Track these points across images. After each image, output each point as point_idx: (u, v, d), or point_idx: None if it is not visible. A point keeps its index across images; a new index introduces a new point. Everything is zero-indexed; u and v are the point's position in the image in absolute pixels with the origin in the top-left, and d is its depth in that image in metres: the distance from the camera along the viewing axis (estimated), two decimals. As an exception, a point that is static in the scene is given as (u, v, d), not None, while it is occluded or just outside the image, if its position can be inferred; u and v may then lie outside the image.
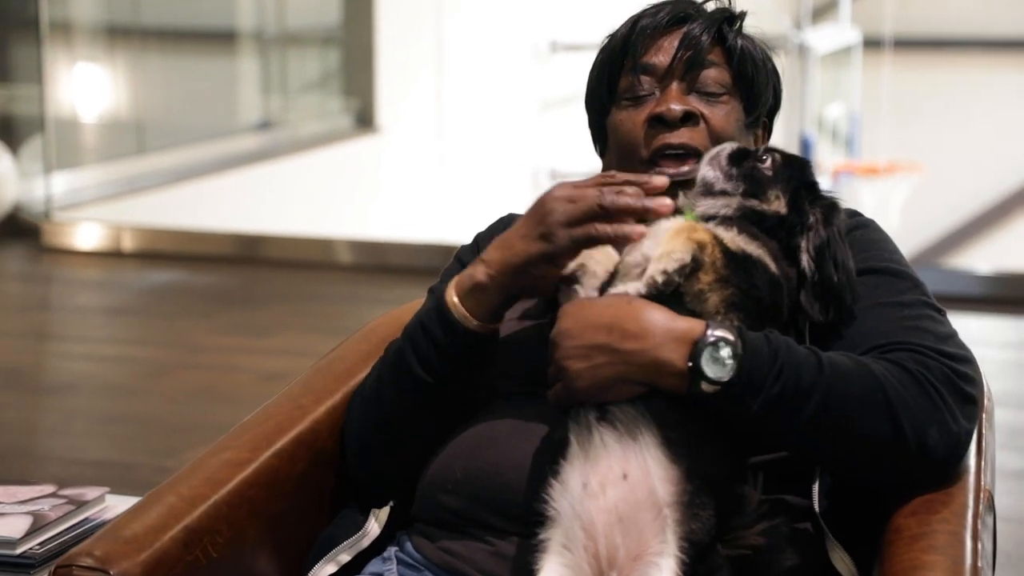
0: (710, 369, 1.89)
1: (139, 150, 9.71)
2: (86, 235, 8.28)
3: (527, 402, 2.12)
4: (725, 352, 1.89)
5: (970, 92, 11.74)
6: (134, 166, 9.39)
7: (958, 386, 1.98)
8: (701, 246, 1.94)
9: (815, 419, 1.93)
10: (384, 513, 2.25)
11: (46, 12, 8.77)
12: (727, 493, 1.92)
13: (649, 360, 1.91)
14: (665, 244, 1.93)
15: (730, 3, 2.42)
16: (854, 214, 2.33)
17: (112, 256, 8.20)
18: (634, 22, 2.29)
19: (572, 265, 2.02)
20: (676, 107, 2.24)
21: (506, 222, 2.52)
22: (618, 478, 1.87)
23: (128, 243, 8.22)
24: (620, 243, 1.97)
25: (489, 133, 11.46)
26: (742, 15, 2.40)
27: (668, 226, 1.97)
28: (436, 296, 2.17)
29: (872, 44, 9.27)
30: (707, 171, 2.15)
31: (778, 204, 2.10)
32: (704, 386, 1.89)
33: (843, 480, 2.07)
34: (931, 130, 11.38)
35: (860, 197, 11.17)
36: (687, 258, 1.92)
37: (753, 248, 2.01)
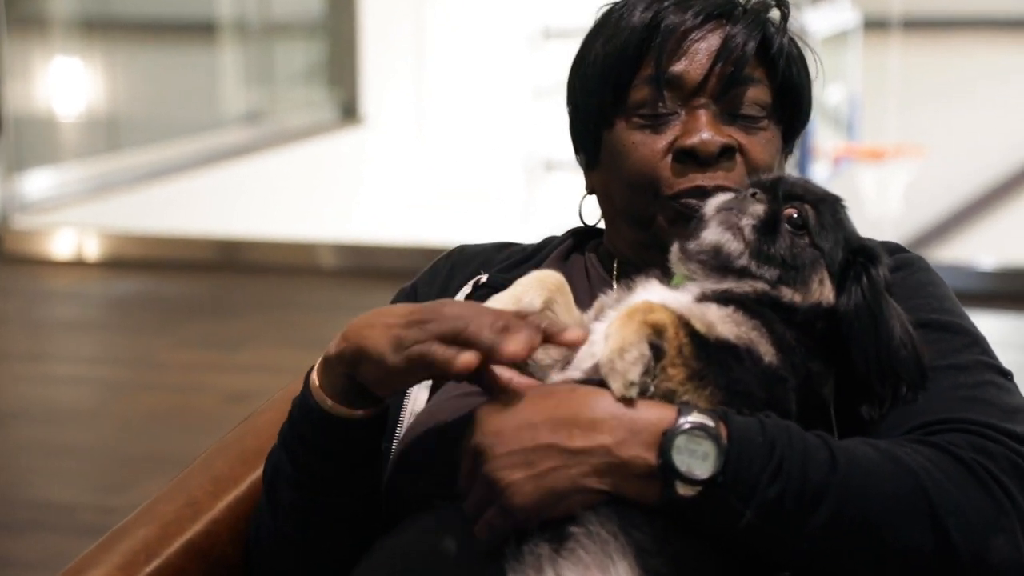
0: (686, 464, 1.46)
1: (111, 147, 9.19)
2: (49, 242, 7.76)
3: (455, 513, 1.61)
4: (705, 443, 1.46)
5: (978, 73, 11.35)
6: (105, 165, 8.87)
7: None
8: (658, 330, 1.50)
9: (828, 531, 1.48)
10: None
11: (1, 5, 8.20)
12: None
13: (609, 460, 1.48)
14: (613, 336, 1.50)
15: None
16: (896, 250, 1.85)
17: (77, 265, 7.65)
18: (655, 13, 1.82)
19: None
20: (712, 139, 1.78)
21: (453, 259, 2.02)
22: None
23: (95, 250, 7.69)
24: (456, 373, 1.53)
25: (478, 123, 11.03)
26: (786, 7, 1.89)
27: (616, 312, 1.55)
28: (307, 373, 1.72)
29: (877, 25, 8.86)
30: (728, 241, 1.67)
31: (818, 292, 1.64)
32: (680, 488, 1.46)
33: None
34: (938, 112, 10.94)
35: (860, 182, 10.83)
36: (646, 350, 1.49)
37: (741, 331, 1.57)
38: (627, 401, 1.47)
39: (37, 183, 8.39)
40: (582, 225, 2.02)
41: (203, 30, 10.45)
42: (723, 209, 1.67)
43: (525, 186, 11.32)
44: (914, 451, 1.50)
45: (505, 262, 1.98)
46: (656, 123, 1.81)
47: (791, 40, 1.86)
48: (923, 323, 1.69)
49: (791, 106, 1.87)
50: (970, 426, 1.54)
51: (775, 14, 1.86)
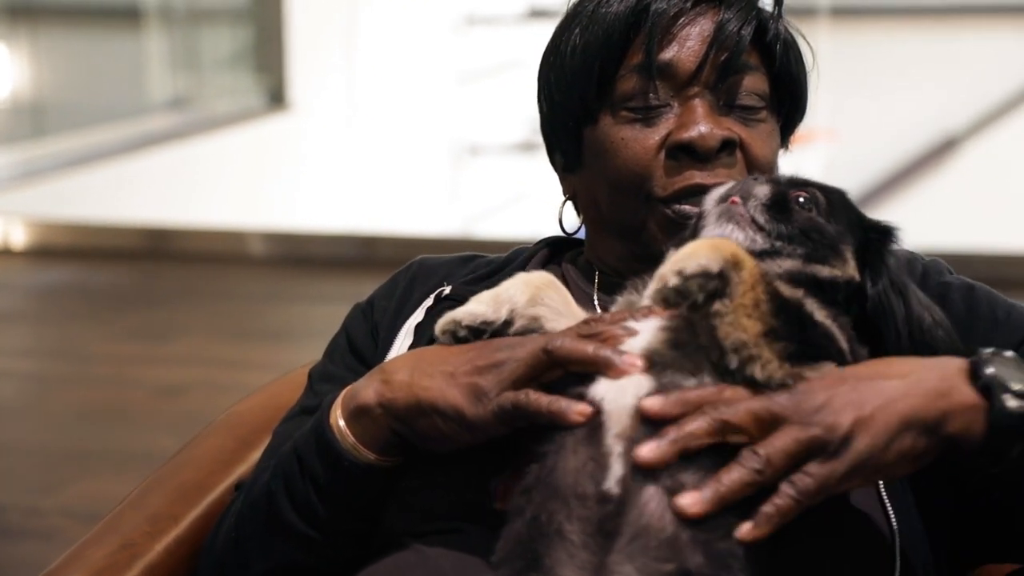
0: (1008, 376, 1.33)
1: (36, 133, 8.89)
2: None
3: (447, 549, 1.44)
4: (1011, 361, 1.35)
5: (898, 59, 11.28)
6: (30, 151, 8.55)
7: None
8: (736, 263, 1.33)
9: None
10: None
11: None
12: None
13: (932, 403, 1.32)
14: (687, 248, 1.35)
15: None
16: (967, 286, 1.72)
17: (1, 254, 7.34)
18: (647, 3, 1.61)
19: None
20: (711, 132, 1.58)
21: (413, 271, 1.80)
22: None
23: (20, 239, 7.38)
24: (557, 420, 1.33)
25: (406, 108, 10.86)
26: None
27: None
28: (317, 417, 1.50)
29: (805, 12, 8.75)
30: (732, 233, 1.48)
31: (852, 266, 1.47)
32: (1010, 401, 1.31)
33: None
34: (861, 97, 10.86)
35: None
36: (714, 267, 1.32)
37: (818, 313, 1.40)
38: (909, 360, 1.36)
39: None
40: (558, 234, 1.82)
41: (128, 16, 10.08)
42: (723, 199, 1.48)
43: (451, 170, 11.18)
44: None
45: (470, 275, 1.76)
46: (647, 116, 1.60)
47: (786, 27, 1.66)
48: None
49: (789, 96, 1.67)
50: None
51: (768, 1, 1.66)
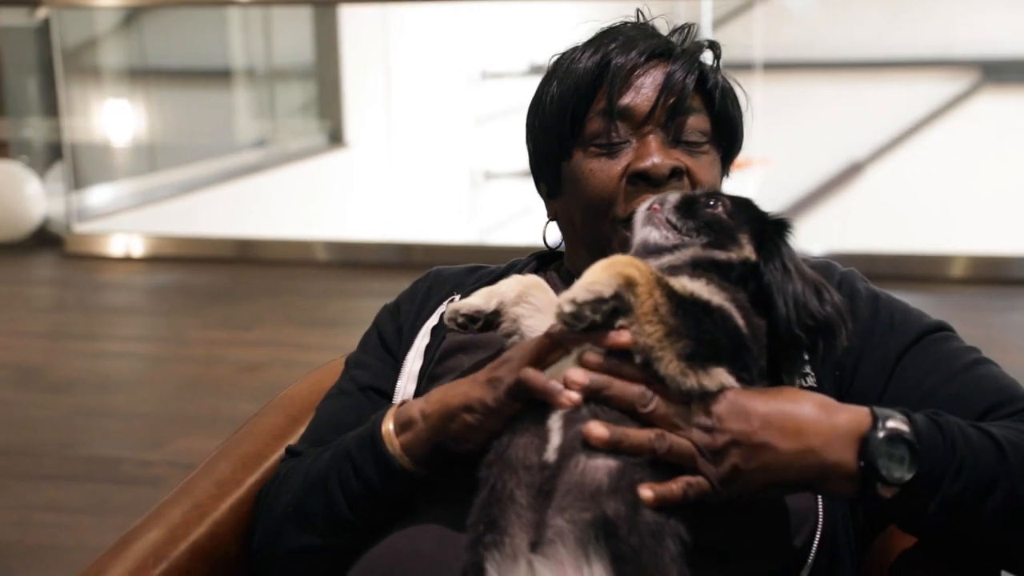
0: (886, 467, 1.23)
1: (151, 168, 8.82)
2: (102, 243, 7.37)
3: (437, 513, 1.36)
4: (901, 448, 1.24)
5: (815, 101, 11.18)
6: (147, 182, 8.49)
7: None
8: (630, 283, 1.23)
9: (999, 512, 1.26)
10: None
11: (59, 54, 7.78)
12: None
13: (814, 463, 1.24)
14: (587, 274, 1.24)
15: (692, 29, 1.59)
16: (873, 296, 1.61)
17: (124, 261, 7.25)
18: (603, 55, 1.56)
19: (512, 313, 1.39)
20: (662, 162, 1.51)
21: (430, 281, 1.70)
22: None
23: (139, 249, 7.30)
24: (549, 399, 1.26)
25: (434, 143, 10.74)
26: (718, 49, 1.59)
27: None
28: (371, 424, 1.42)
29: (744, 67, 8.70)
30: (649, 233, 1.38)
31: (748, 250, 1.35)
32: (881, 489, 1.23)
33: None
34: (784, 130, 10.77)
35: (724, 185, 10.67)
36: (606, 293, 1.21)
37: (715, 297, 1.28)
38: (819, 403, 1.27)
39: (93, 197, 7.98)
40: (544, 248, 1.73)
41: (221, 75, 10.05)
42: (647, 209, 1.39)
43: (469, 192, 11.11)
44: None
45: (475, 284, 1.66)
46: (611, 151, 1.52)
47: (724, 76, 1.58)
48: (930, 328, 1.52)
49: (727, 134, 1.58)
50: None
51: (709, 55, 1.58)
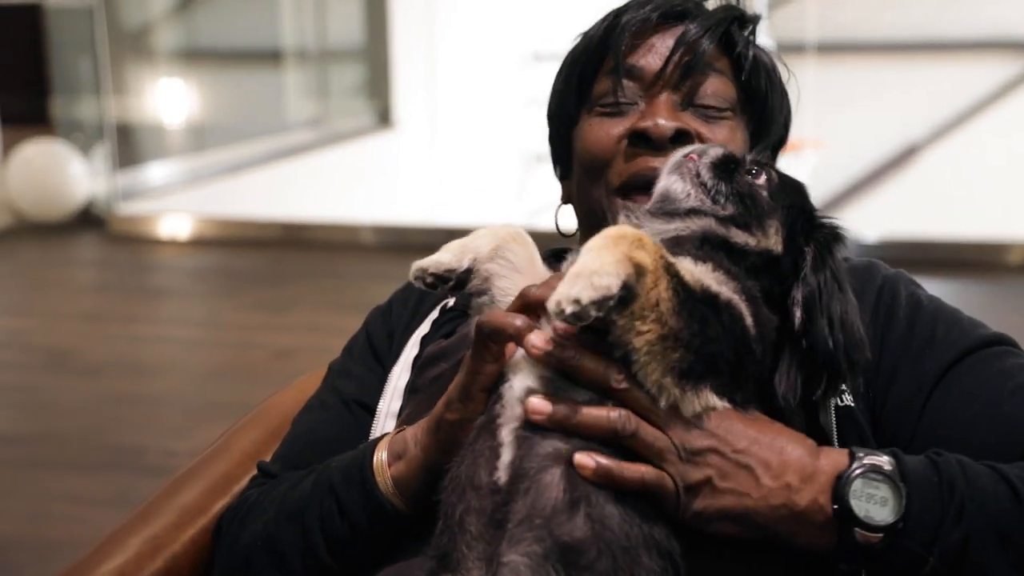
0: (864, 509, 1.02)
1: (198, 148, 8.71)
2: (146, 225, 7.22)
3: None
4: (882, 487, 1.03)
5: (868, 84, 10.88)
6: (193, 162, 8.36)
7: None
8: (639, 271, 0.98)
9: (1017, 570, 1.03)
10: None
11: (105, 34, 7.62)
12: None
13: (788, 504, 1.04)
14: (592, 254, 0.99)
15: (739, 2, 1.37)
16: (915, 303, 1.31)
17: (167, 243, 7.08)
18: (615, 15, 1.37)
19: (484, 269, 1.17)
20: (665, 123, 1.29)
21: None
22: None
23: (182, 231, 7.13)
24: (512, 335, 1.08)
25: (485, 125, 10.48)
26: (755, 18, 1.36)
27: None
28: (360, 455, 1.22)
29: (796, 48, 8.44)
30: (673, 183, 1.15)
31: (774, 240, 1.13)
32: (860, 534, 1.02)
33: None
34: (838, 114, 10.48)
35: (778, 166, 10.47)
36: (614, 287, 0.96)
37: (723, 289, 1.06)
38: (804, 443, 1.07)
39: (137, 178, 7.83)
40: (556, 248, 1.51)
41: (272, 56, 9.90)
42: (682, 156, 1.18)
43: (519, 174, 10.92)
44: None
45: None
46: (615, 112, 1.32)
47: (760, 50, 1.36)
48: (983, 345, 1.24)
49: (757, 108, 1.35)
50: None
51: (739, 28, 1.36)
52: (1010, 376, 1.18)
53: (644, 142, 1.29)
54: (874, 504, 1.02)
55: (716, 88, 1.32)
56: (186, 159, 8.42)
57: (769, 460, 1.04)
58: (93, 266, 6.88)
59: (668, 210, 1.14)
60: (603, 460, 1.00)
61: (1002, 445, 1.10)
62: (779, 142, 1.42)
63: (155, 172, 8.06)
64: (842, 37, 12.28)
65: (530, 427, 1.02)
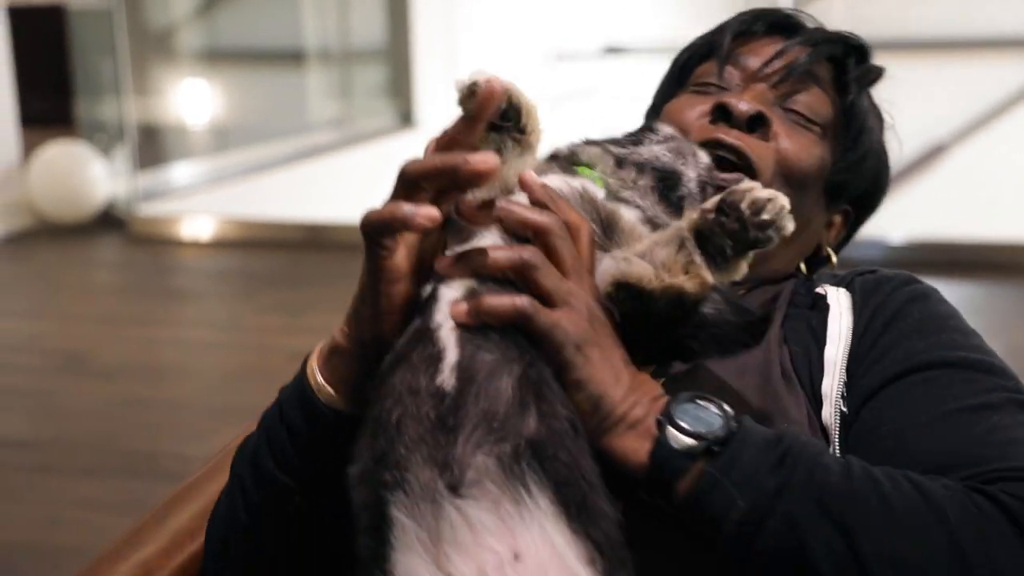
0: (686, 420, 0.95)
1: (220, 148, 8.69)
2: (167, 226, 7.15)
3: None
4: (711, 413, 0.95)
5: (897, 81, 10.80)
6: (215, 162, 8.33)
7: None
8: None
9: (828, 548, 0.90)
10: None
11: (125, 35, 7.56)
12: None
13: (624, 399, 0.97)
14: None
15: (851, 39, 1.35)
16: (910, 280, 1.23)
17: (188, 245, 7.02)
18: (724, 22, 1.35)
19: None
20: (749, 104, 1.24)
21: None
22: (504, 561, 0.88)
23: (202, 233, 7.07)
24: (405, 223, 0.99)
25: (507, 126, 10.43)
26: (876, 70, 1.35)
27: None
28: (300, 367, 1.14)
29: None
30: (680, 167, 1.13)
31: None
32: (674, 437, 0.94)
33: None
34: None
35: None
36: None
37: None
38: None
39: (158, 179, 7.79)
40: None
41: (295, 57, 9.87)
42: (686, 139, 1.17)
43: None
44: (951, 494, 0.93)
45: None
46: (707, 90, 1.28)
47: (869, 97, 1.35)
48: (950, 362, 1.10)
49: (852, 136, 1.30)
50: (1016, 473, 0.95)
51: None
52: (955, 397, 1.06)
53: (722, 116, 1.24)
54: (698, 423, 0.94)
55: (812, 100, 1.28)
56: (207, 160, 8.38)
57: (622, 359, 0.99)
58: (112, 268, 6.83)
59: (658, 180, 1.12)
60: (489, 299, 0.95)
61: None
62: (865, 201, 1.37)
63: (177, 173, 8.02)
64: (869, 35, 12.18)
65: (473, 329, 0.96)
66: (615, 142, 1.18)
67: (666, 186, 1.12)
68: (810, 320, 1.19)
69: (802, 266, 1.34)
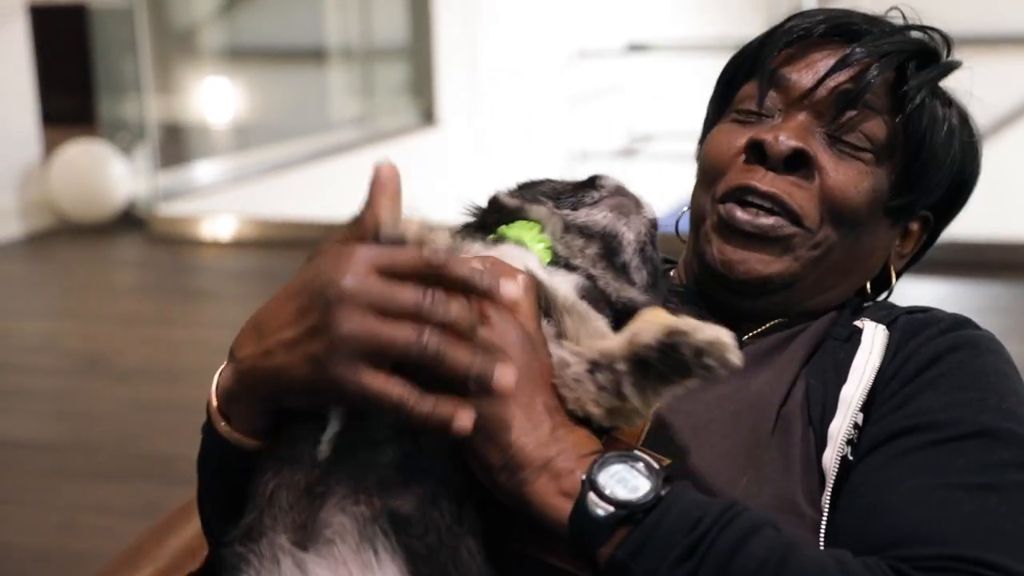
0: (609, 485, 0.88)
1: (241, 147, 8.66)
2: (187, 226, 7.13)
3: None
4: (640, 479, 0.89)
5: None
6: (236, 161, 8.31)
7: None
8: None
9: None
10: None
11: (145, 34, 7.55)
12: None
13: (546, 457, 0.94)
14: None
15: (932, 39, 1.19)
16: (965, 323, 1.11)
17: (209, 245, 6.99)
18: (785, 21, 1.21)
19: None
20: (785, 140, 1.12)
21: None
22: None
23: (224, 232, 7.04)
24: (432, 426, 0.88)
25: (530, 123, 10.39)
26: (949, 65, 1.19)
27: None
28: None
29: None
30: (623, 230, 1.07)
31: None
32: (593, 501, 0.87)
33: None
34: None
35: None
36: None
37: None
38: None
39: (179, 178, 7.76)
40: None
41: (317, 55, 9.84)
42: (623, 193, 1.09)
43: (566, 171, 10.83)
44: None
45: None
46: (748, 120, 1.16)
47: (940, 91, 1.18)
48: (968, 428, 0.98)
49: (909, 155, 1.16)
50: (985, 570, 0.87)
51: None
52: (955, 471, 0.97)
53: (756, 155, 1.14)
54: (623, 486, 0.88)
55: (864, 123, 1.15)
56: (229, 159, 8.36)
57: (546, 407, 0.93)
58: (133, 267, 6.81)
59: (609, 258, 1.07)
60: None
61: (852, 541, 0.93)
62: (945, 208, 1.24)
63: (198, 172, 8.00)
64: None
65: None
66: (560, 197, 1.10)
67: (610, 250, 1.06)
68: (838, 353, 1.11)
69: (867, 286, 1.25)
